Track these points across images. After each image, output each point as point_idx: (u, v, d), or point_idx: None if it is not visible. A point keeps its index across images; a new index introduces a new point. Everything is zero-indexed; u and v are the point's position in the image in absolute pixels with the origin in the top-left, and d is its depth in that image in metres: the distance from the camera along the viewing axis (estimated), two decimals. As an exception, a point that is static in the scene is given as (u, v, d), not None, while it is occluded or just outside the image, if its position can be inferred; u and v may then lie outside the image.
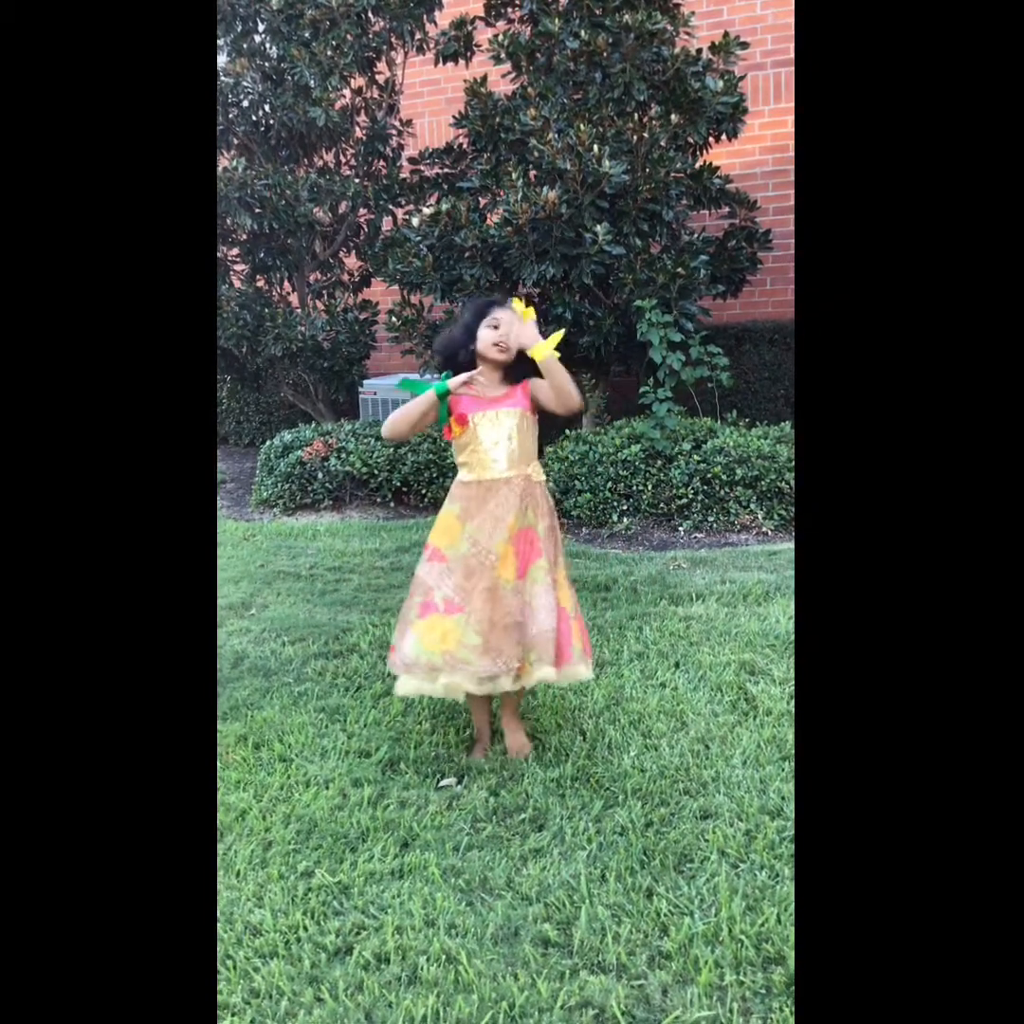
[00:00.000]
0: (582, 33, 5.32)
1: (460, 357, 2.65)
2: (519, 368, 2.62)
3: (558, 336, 2.52)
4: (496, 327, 2.60)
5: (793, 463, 4.95)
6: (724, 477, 4.96)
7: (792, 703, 2.81)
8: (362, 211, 6.81)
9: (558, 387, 2.53)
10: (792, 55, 7.01)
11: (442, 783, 2.48)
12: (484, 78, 5.75)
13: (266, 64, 6.30)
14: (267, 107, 6.39)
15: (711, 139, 5.84)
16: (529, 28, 5.70)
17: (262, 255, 6.75)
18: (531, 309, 2.57)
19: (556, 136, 5.25)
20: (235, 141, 6.53)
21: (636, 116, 5.48)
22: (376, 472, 5.71)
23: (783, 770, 2.44)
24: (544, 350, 2.48)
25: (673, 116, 5.41)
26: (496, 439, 2.60)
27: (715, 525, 4.95)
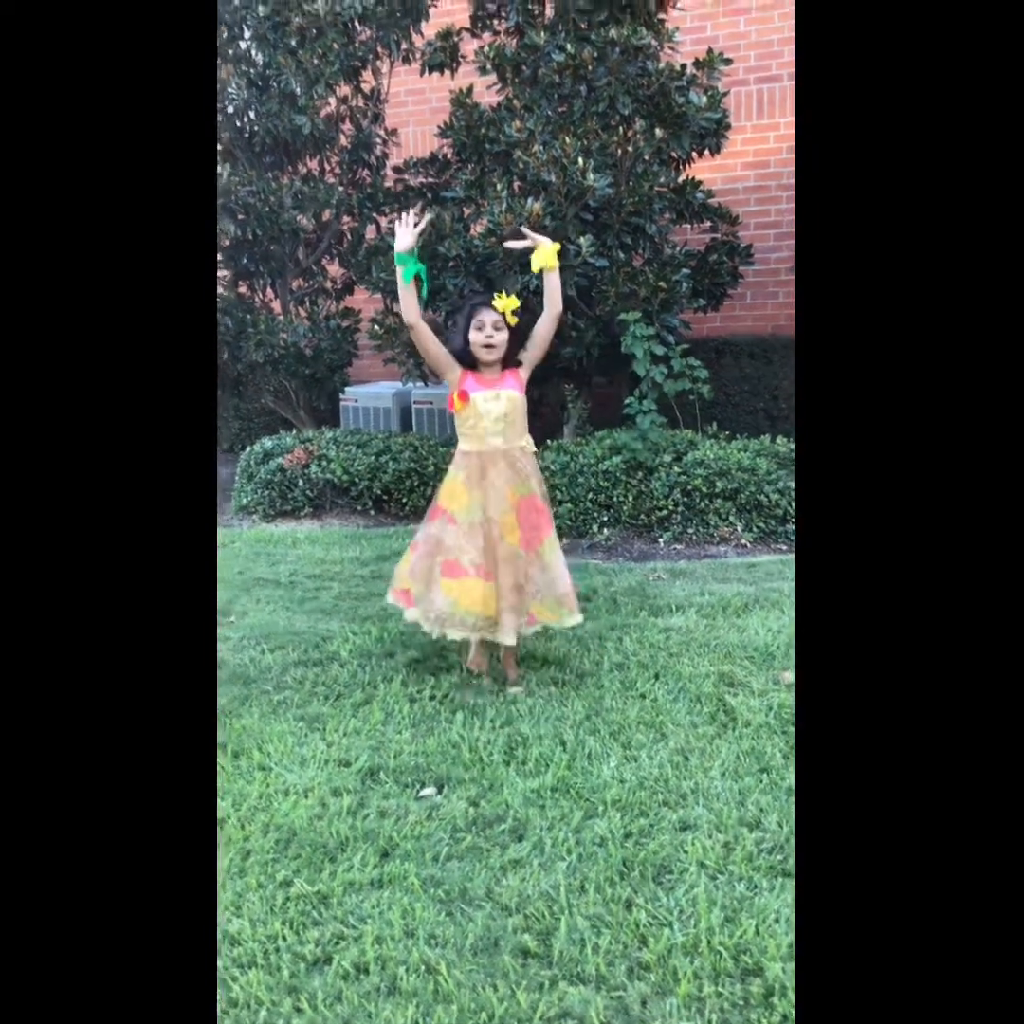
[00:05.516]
0: (568, 46, 5.36)
1: (462, 357, 3.10)
2: (510, 354, 3.10)
3: (556, 247, 3.08)
4: (481, 328, 3.03)
5: (772, 476, 4.99)
6: (704, 489, 4.98)
7: (771, 715, 2.83)
8: (346, 219, 6.81)
9: (553, 289, 3.10)
10: (775, 72, 7.11)
11: (422, 793, 2.48)
12: (470, 89, 5.77)
13: (252, 71, 6.29)
14: (252, 113, 6.38)
15: (694, 154, 5.88)
16: (515, 40, 5.73)
17: (245, 261, 6.73)
18: (513, 299, 3.02)
19: (541, 148, 5.28)
20: (219, 147, 6.51)
21: (621, 130, 5.51)
22: (357, 480, 5.70)
23: (762, 782, 2.46)
24: (546, 258, 3.06)
25: (657, 130, 5.45)
26: (495, 416, 3.05)
27: (695, 537, 4.98)
